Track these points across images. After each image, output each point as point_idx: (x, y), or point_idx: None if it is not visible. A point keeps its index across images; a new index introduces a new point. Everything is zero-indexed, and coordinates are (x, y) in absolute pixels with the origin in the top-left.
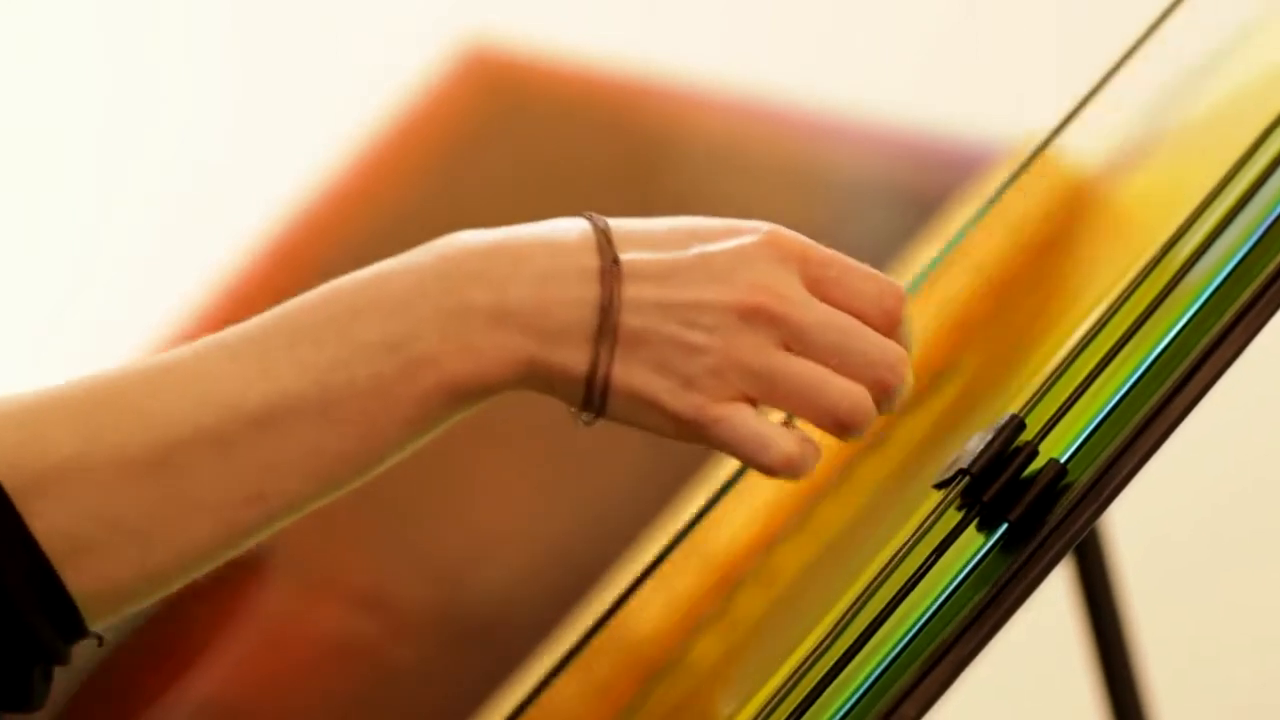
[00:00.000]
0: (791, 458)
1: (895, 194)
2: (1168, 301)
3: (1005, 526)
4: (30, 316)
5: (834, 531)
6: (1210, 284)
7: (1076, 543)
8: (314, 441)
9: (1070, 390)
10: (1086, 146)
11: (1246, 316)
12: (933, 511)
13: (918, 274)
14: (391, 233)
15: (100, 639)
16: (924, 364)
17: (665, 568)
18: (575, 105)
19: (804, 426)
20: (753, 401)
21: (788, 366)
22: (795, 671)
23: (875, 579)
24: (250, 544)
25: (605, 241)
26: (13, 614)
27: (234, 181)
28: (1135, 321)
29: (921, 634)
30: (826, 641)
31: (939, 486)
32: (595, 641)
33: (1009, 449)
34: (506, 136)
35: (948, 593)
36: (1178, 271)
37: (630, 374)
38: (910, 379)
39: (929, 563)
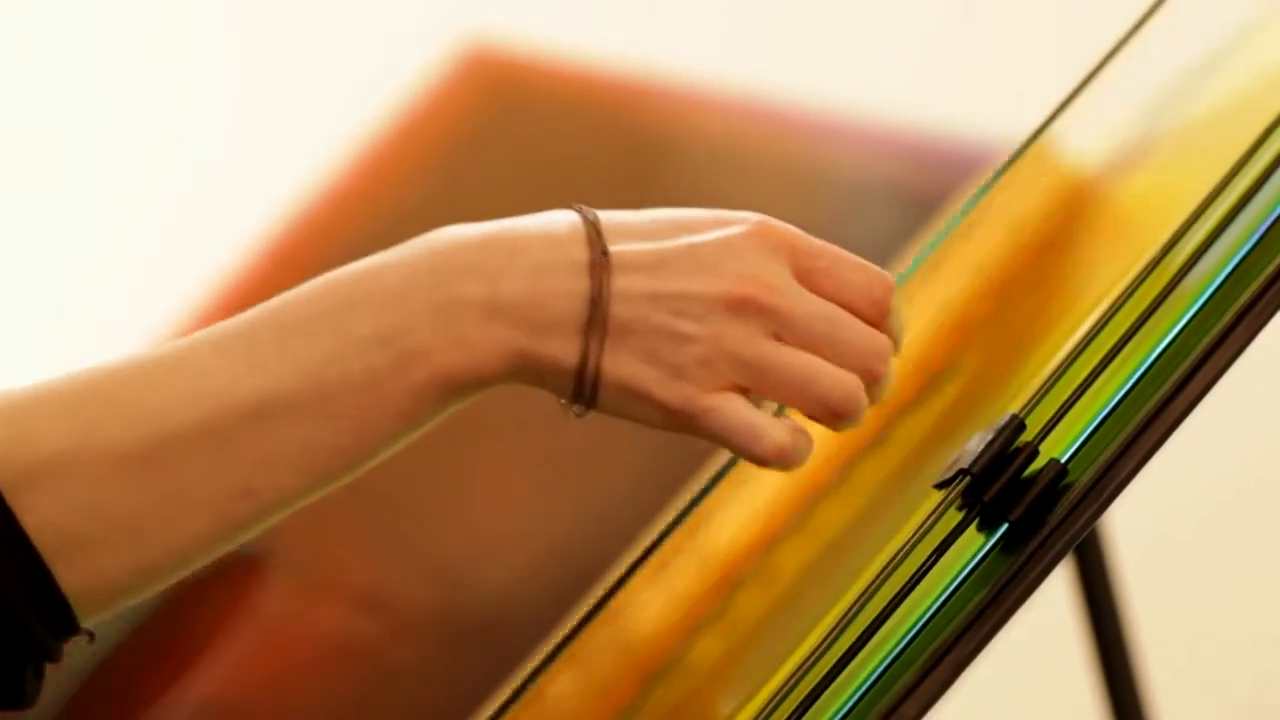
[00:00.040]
0: (783, 447)
1: (895, 194)
2: (1168, 301)
3: (1006, 527)
4: (30, 316)
5: (834, 531)
6: (1210, 284)
7: (1077, 543)
8: (306, 436)
9: (1071, 390)
10: (1086, 146)
11: (1247, 317)
12: (933, 511)
13: (909, 266)
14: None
15: (91, 636)
16: (924, 364)
17: (665, 569)
18: (575, 105)
19: (795, 418)
20: (744, 392)
21: (778, 356)
22: (795, 671)
23: (876, 579)
24: (242, 539)
25: (595, 234)
26: (4, 611)
27: (234, 181)
28: (1136, 321)
29: (922, 634)
30: (827, 641)
31: (939, 486)
32: (595, 641)
33: (1009, 449)
34: (506, 136)
35: (948, 593)
36: (1178, 271)
37: (620, 365)
38: (894, 370)
39: (929, 563)
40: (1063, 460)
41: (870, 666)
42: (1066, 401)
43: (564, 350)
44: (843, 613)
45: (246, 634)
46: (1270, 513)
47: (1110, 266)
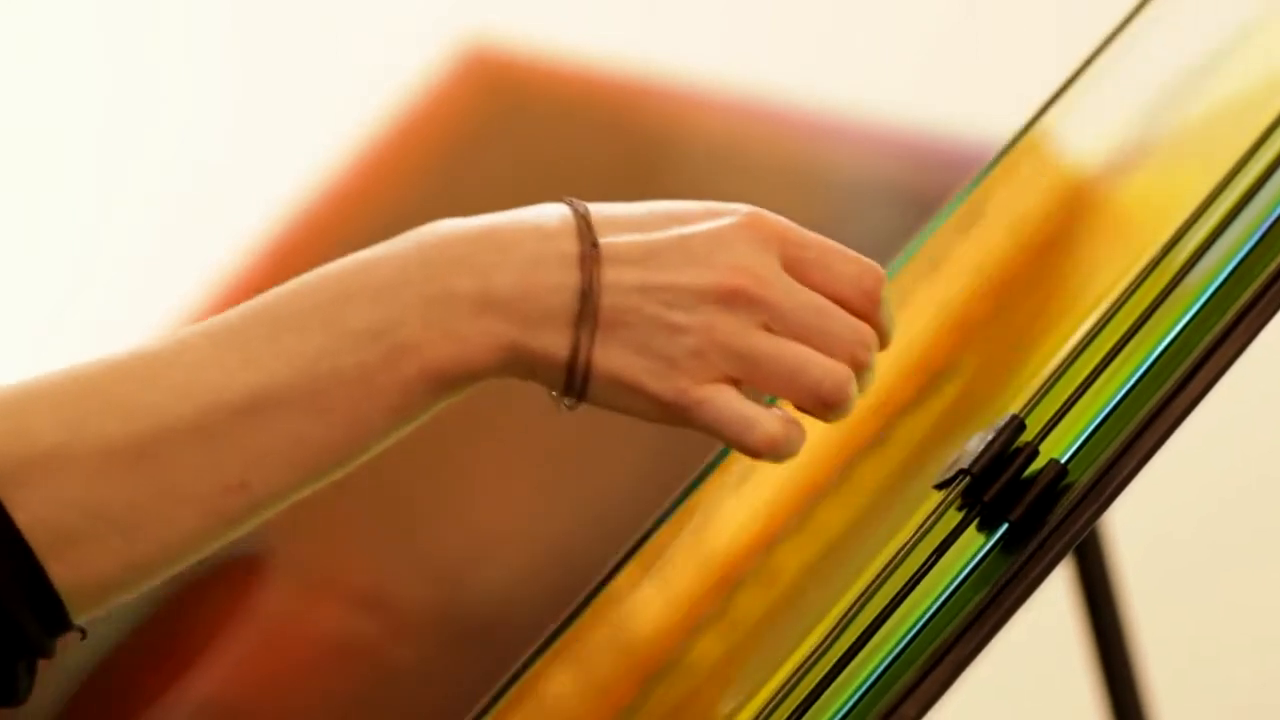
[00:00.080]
0: (775, 438)
1: (895, 194)
2: (1168, 302)
3: (1006, 527)
4: (30, 316)
5: (834, 531)
6: (1211, 284)
7: (1077, 543)
8: (298, 430)
9: (1071, 390)
10: (1086, 146)
11: (1247, 317)
12: (933, 512)
13: (900, 256)
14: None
15: (84, 633)
16: (924, 364)
17: (665, 569)
18: (575, 105)
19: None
20: (734, 383)
21: (770, 347)
22: (796, 671)
23: (876, 579)
24: (234, 535)
25: (585, 226)
26: None
27: (234, 181)
28: (1136, 322)
29: (922, 634)
30: (827, 641)
31: (939, 487)
32: (595, 641)
33: (1009, 449)
34: (506, 136)
35: (948, 593)
36: (1178, 271)
37: (611, 357)
38: (876, 360)
39: (929, 563)
40: (1063, 460)
41: (870, 666)
42: (1066, 401)
43: (555, 343)
44: (843, 613)
45: (246, 634)
46: (1270, 513)
47: (1110, 266)
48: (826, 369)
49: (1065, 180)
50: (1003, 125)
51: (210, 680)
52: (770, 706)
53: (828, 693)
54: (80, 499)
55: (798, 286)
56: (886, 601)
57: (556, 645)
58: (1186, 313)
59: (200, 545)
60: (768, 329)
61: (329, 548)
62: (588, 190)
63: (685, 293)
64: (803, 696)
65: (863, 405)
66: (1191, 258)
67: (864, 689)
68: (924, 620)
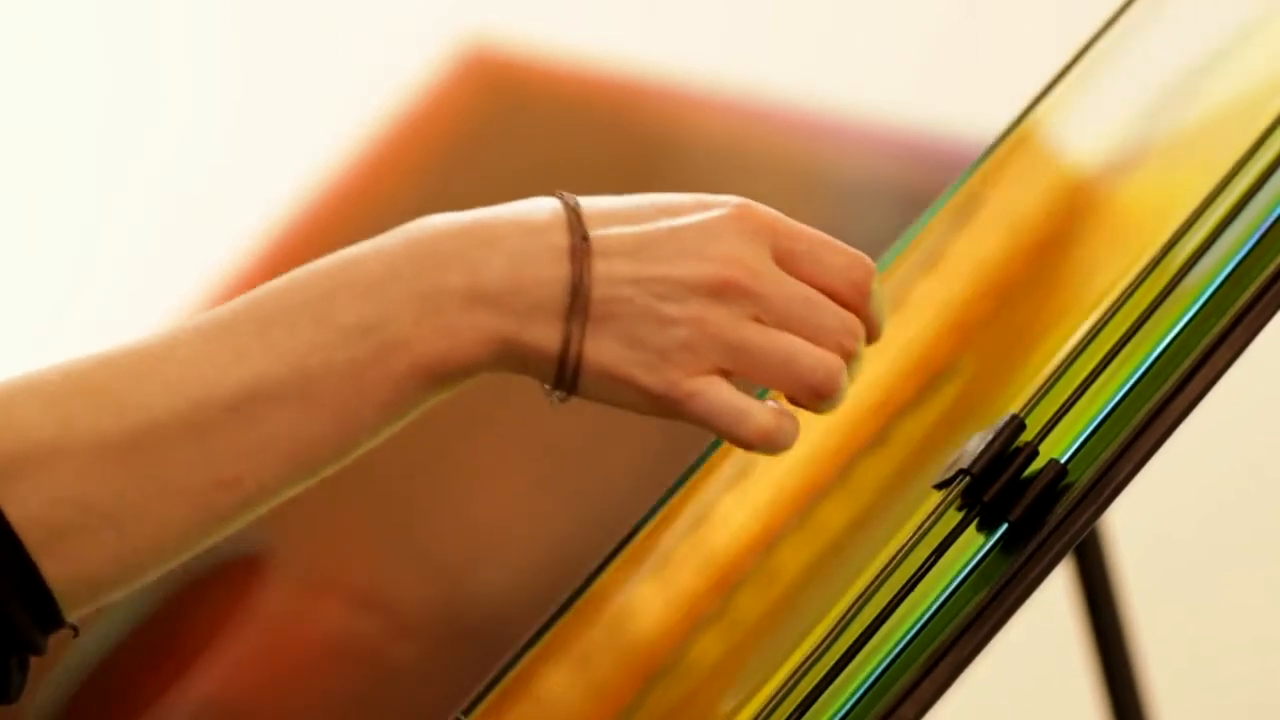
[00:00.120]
0: (768, 429)
1: (895, 194)
2: (1168, 302)
3: (1005, 527)
4: (30, 316)
5: (834, 531)
6: (1210, 284)
7: (1076, 543)
8: (289, 426)
9: (1070, 391)
10: (1086, 146)
11: (1246, 317)
12: (933, 512)
13: (891, 251)
14: None
15: (76, 630)
16: (924, 364)
17: (665, 568)
18: (575, 105)
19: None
20: (726, 375)
21: (762, 338)
22: (795, 671)
23: (875, 579)
24: (225, 531)
25: (575, 219)
26: None
27: (234, 181)
28: (1135, 322)
29: (921, 634)
30: (827, 641)
31: (939, 487)
32: (595, 641)
33: (1009, 449)
34: (506, 136)
35: (948, 593)
36: (1178, 272)
37: (602, 350)
38: (863, 350)
39: (929, 563)
40: (1063, 460)
41: (870, 667)
42: (1066, 401)
43: (546, 336)
44: (842, 613)
45: (246, 634)
46: (1270, 513)
47: (1110, 266)
48: (818, 359)
49: (1065, 180)
50: (1002, 125)
51: (210, 680)
52: (770, 706)
53: (827, 693)
54: (72, 494)
55: (787, 278)
56: (886, 602)
57: (555, 645)
58: (1186, 313)
59: (192, 541)
60: (758, 320)
61: (329, 548)
62: (587, 190)
63: (677, 285)
64: (802, 696)
65: (863, 405)
66: (1191, 258)
67: (863, 689)
68: (923, 620)
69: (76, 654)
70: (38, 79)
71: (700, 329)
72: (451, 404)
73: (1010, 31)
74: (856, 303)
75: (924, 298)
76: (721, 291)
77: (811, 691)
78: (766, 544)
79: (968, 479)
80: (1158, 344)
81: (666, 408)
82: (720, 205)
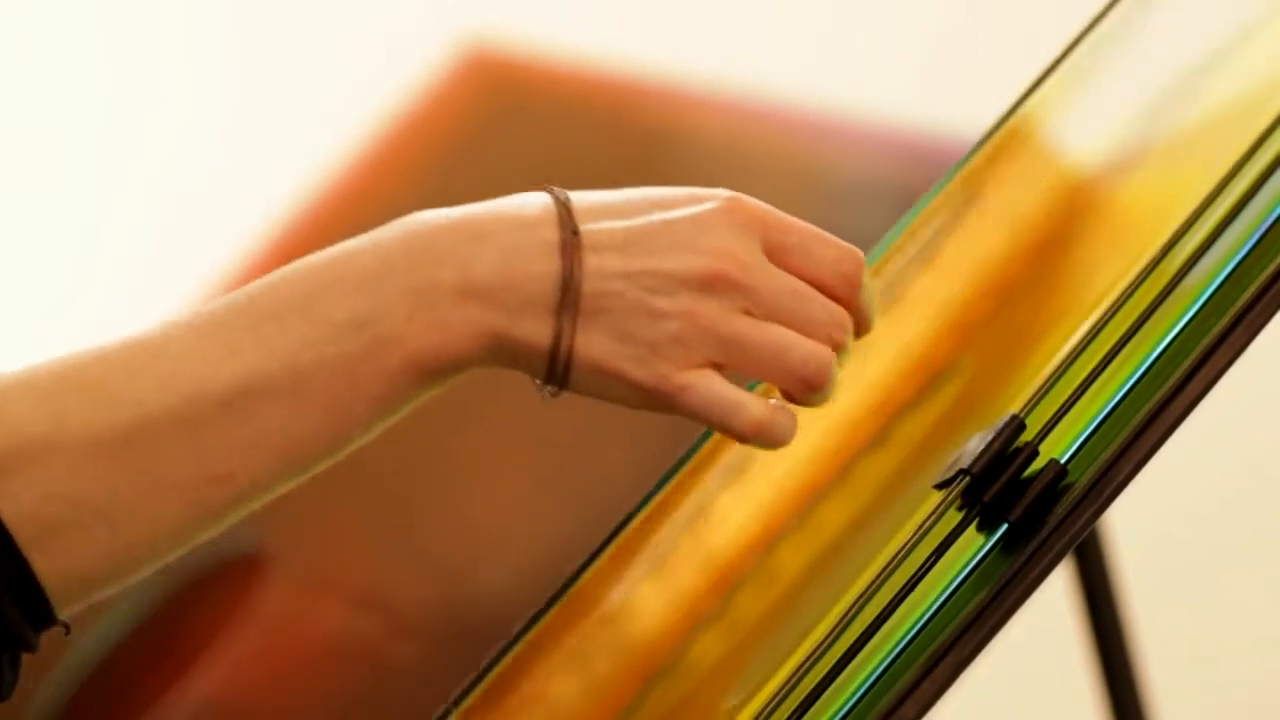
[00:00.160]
0: (762, 421)
1: (895, 194)
2: (1168, 302)
3: (1005, 527)
4: (30, 316)
5: (834, 531)
6: (1210, 284)
7: (1077, 543)
8: (281, 422)
9: (1070, 391)
10: (1086, 146)
11: (1246, 317)
12: (933, 512)
13: (881, 244)
14: None
15: (68, 628)
16: (924, 364)
17: (665, 568)
18: (575, 105)
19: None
20: (718, 368)
21: (753, 331)
22: (796, 671)
23: (876, 579)
24: (218, 528)
25: (566, 214)
26: None
27: (234, 181)
28: (1135, 322)
29: (922, 634)
30: (827, 642)
31: (939, 487)
32: (595, 641)
33: (1009, 449)
34: (506, 136)
35: (948, 593)
36: (1178, 272)
37: (593, 345)
38: (852, 343)
39: (929, 563)
40: (1063, 460)
41: (870, 667)
42: (1066, 402)
43: (537, 331)
44: (843, 613)
45: (246, 634)
46: (1270, 513)
47: (1110, 266)
48: (809, 350)
49: (1065, 180)
50: None
51: (210, 680)
52: (770, 706)
53: (828, 693)
54: (64, 490)
55: (776, 271)
56: (886, 602)
57: (556, 645)
58: (1186, 313)
59: (185, 537)
60: (747, 313)
61: (329, 548)
62: (587, 190)
63: (667, 278)
64: (803, 696)
65: (863, 405)
66: (1191, 258)
67: (864, 689)
68: (924, 620)
69: (76, 654)
70: (38, 79)
71: (691, 322)
72: (451, 404)
73: (1009, 32)
74: (846, 295)
75: (924, 297)
76: (712, 285)
77: (812, 691)
78: (766, 544)
79: (968, 479)
80: (1158, 344)
81: (658, 401)
82: (710, 199)
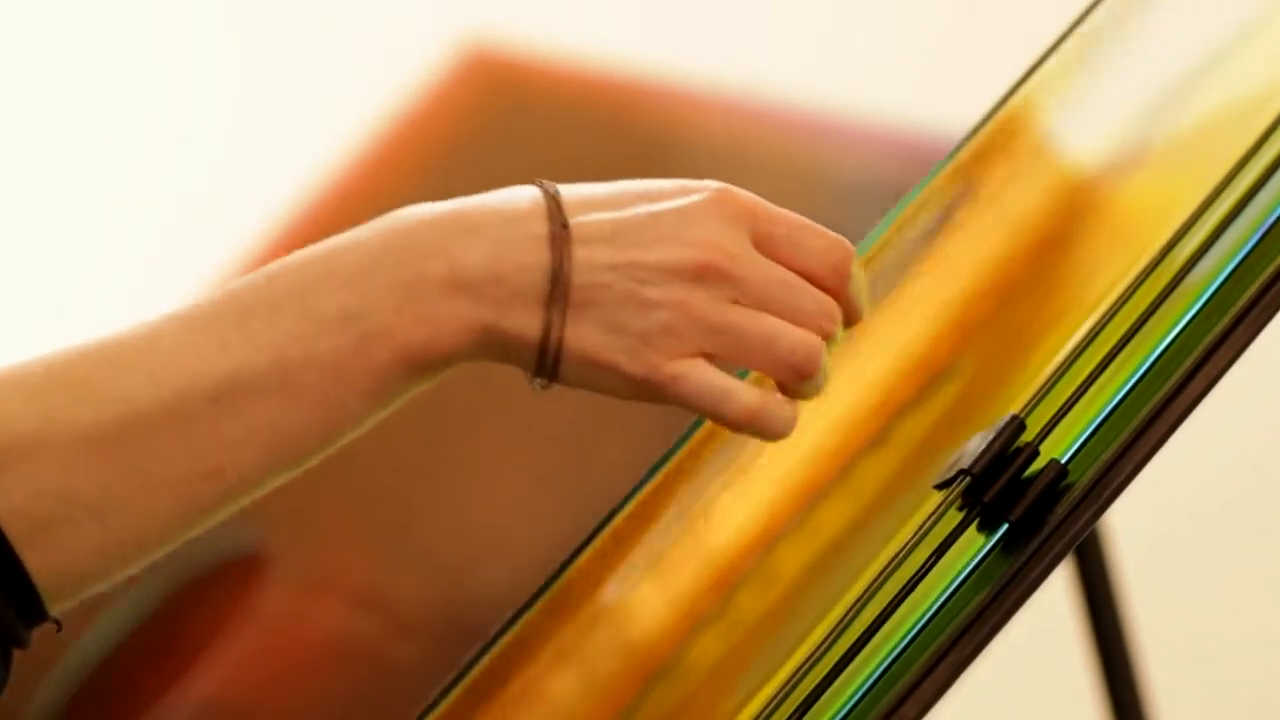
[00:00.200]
0: (754, 408)
1: (895, 194)
2: (1168, 302)
3: (1006, 527)
4: (30, 316)
5: (834, 532)
6: (1211, 284)
7: (1077, 543)
8: (271, 416)
9: (1071, 391)
10: (1086, 146)
11: (1247, 317)
12: (933, 512)
13: (872, 234)
14: None
15: (59, 624)
16: (924, 364)
17: (665, 567)
18: (575, 105)
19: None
20: (708, 359)
21: (744, 320)
22: (796, 672)
23: (876, 579)
24: (208, 523)
25: (555, 207)
26: None
27: (234, 181)
28: (1136, 322)
29: (922, 634)
30: (827, 642)
31: (940, 487)
32: (595, 641)
33: (1010, 449)
34: (506, 136)
35: (948, 593)
36: (1178, 272)
37: (582, 336)
38: (841, 334)
39: (930, 563)
40: (1063, 461)
41: (870, 667)
42: (1067, 402)
43: (527, 324)
44: (843, 613)
45: (246, 634)
46: (1270, 513)
47: (1110, 266)
48: (797, 339)
49: (1065, 180)
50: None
51: (210, 680)
52: (770, 707)
53: (828, 693)
54: (56, 486)
55: (765, 261)
56: (887, 602)
57: (556, 645)
58: (1186, 313)
59: (175, 533)
60: (736, 303)
61: (329, 548)
62: None
63: (656, 269)
64: (803, 697)
65: (863, 405)
66: (1191, 258)
67: (864, 689)
68: (924, 621)
69: (76, 654)
70: (38, 79)
71: (682, 312)
72: (452, 404)
73: (1010, 32)
74: (836, 286)
75: (924, 297)
76: (701, 275)
77: (813, 691)
78: (766, 544)
79: (968, 479)
80: (1158, 344)
81: (649, 391)
82: (699, 190)
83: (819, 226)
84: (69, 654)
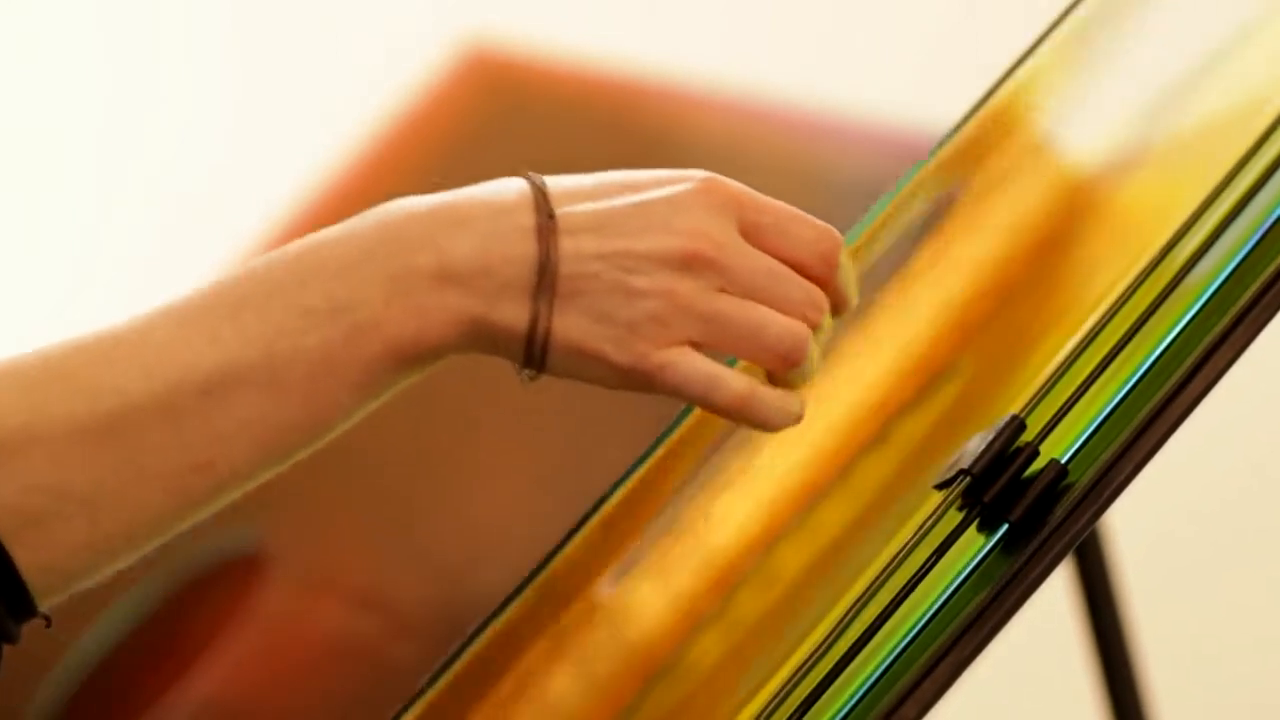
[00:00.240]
0: (743, 395)
1: None
2: (1168, 302)
3: (1006, 527)
4: (30, 316)
5: (834, 532)
6: (1211, 284)
7: (1077, 543)
8: (261, 409)
9: (1071, 391)
10: (1086, 146)
11: (1247, 317)
12: (934, 512)
13: (865, 220)
14: None
15: (49, 620)
16: (924, 364)
17: (665, 567)
18: (575, 105)
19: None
20: (695, 347)
21: (731, 307)
22: (796, 672)
23: (876, 579)
24: (198, 516)
25: (542, 198)
26: None
27: (234, 181)
28: (1136, 322)
29: (922, 634)
30: (827, 642)
31: (940, 487)
32: (595, 641)
33: (1010, 449)
34: (506, 136)
35: (948, 593)
36: (1179, 272)
37: (570, 327)
38: (830, 322)
39: (930, 563)
40: (1063, 461)
41: (870, 667)
42: (1067, 402)
43: (515, 315)
44: (843, 613)
45: (246, 634)
46: (1270, 513)
47: (1110, 266)
48: (785, 326)
49: (1065, 180)
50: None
51: (210, 680)
52: (771, 707)
53: (828, 693)
54: (47, 481)
55: (752, 250)
56: (887, 602)
57: (556, 645)
58: (1186, 313)
59: (165, 526)
60: (724, 292)
61: (329, 548)
62: None
63: (644, 258)
64: (803, 697)
65: (863, 405)
66: (1191, 258)
67: (864, 689)
68: (924, 621)
69: (76, 654)
70: (38, 79)
71: (670, 300)
72: (452, 404)
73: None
74: (824, 275)
75: (924, 297)
76: (689, 263)
77: (813, 691)
78: (766, 544)
79: (968, 479)
80: (1158, 344)
81: (637, 380)
82: (686, 180)
83: (807, 216)
84: (69, 654)
